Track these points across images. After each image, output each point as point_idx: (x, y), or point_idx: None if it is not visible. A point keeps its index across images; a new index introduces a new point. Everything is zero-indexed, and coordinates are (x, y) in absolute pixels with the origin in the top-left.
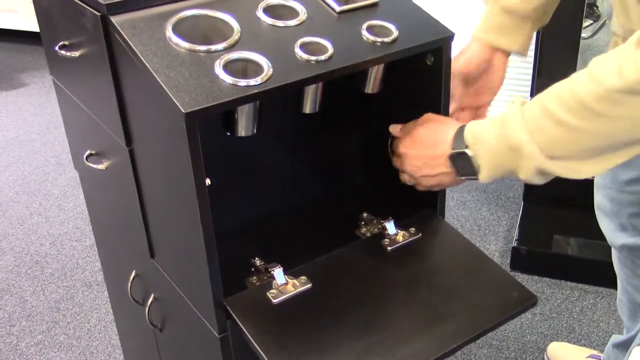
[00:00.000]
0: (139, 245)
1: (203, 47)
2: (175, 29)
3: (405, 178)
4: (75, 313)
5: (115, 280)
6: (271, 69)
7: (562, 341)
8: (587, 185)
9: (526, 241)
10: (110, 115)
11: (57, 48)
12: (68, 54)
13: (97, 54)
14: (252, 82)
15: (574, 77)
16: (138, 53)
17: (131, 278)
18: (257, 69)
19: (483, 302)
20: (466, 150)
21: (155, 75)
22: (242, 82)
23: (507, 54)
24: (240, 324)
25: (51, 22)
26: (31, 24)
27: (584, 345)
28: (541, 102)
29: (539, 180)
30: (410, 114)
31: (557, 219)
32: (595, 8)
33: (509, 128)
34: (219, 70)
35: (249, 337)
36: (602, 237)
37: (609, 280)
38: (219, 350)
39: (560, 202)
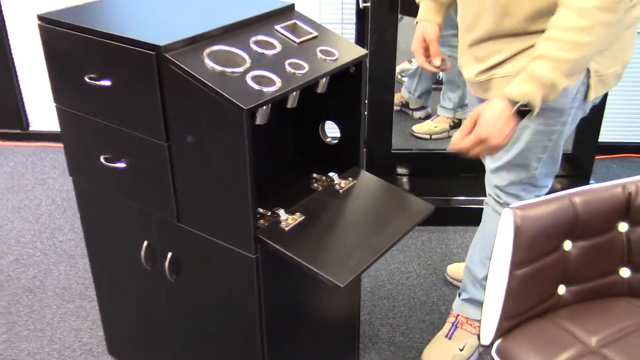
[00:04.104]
0: (164, 217)
1: (229, 69)
2: (209, 57)
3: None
4: (28, 312)
5: (108, 258)
6: (280, 81)
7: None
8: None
9: None
10: (150, 122)
11: (86, 79)
12: (97, 83)
13: (144, 80)
14: (272, 89)
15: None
16: (198, 76)
17: (144, 247)
18: (270, 81)
19: (404, 214)
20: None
21: (216, 88)
22: (266, 89)
23: (438, 26)
24: (273, 244)
25: (70, 62)
26: None
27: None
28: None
29: None
30: (341, 103)
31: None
32: None
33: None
34: (250, 82)
35: (281, 249)
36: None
37: (438, 220)
38: (253, 267)
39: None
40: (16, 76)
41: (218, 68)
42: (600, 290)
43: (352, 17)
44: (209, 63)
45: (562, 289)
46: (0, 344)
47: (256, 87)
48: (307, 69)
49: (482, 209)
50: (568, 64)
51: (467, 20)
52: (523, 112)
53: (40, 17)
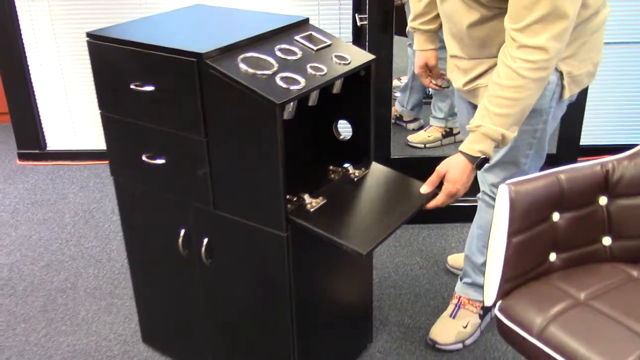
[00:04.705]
0: (200, 205)
1: (259, 72)
2: (242, 62)
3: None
4: (64, 310)
5: (146, 249)
6: (304, 81)
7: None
8: None
9: None
10: (190, 121)
11: (132, 86)
12: (141, 89)
13: (186, 83)
14: (298, 87)
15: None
16: (235, 77)
17: (181, 235)
18: (295, 81)
19: (412, 197)
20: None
21: (252, 87)
22: (293, 87)
23: (436, 51)
24: (302, 222)
25: (116, 72)
26: None
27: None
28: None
29: None
30: (353, 104)
31: None
32: None
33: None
34: (279, 82)
35: (309, 226)
36: None
37: (437, 218)
38: (284, 244)
39: None
40: (34, 99)
41: (251, 71)
42: (586, 256)
43: (349, 35)
44: (243, 67)
45: (553, 256)
46: (42, 337)
47: (284, 85)
48: (325, 71)
49: (476, 206)
50: (511, 117)
51: (451, 47)
52: (481, 162)
53: (89, 34)
